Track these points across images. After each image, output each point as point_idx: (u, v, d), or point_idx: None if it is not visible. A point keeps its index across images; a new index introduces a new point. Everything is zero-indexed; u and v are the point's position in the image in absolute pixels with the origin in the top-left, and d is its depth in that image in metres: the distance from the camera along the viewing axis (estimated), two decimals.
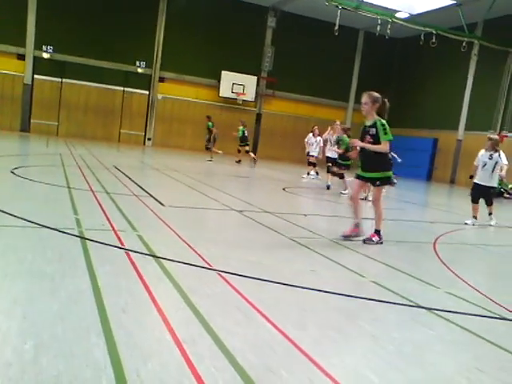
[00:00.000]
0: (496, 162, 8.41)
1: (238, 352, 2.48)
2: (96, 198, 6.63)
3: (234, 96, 24.66)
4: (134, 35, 22.66)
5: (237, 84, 24.70)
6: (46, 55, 21.41)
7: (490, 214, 8.64)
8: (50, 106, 21.95)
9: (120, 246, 4.25)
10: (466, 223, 8.37)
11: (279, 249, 5.07)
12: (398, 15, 20.51)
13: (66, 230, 4.56)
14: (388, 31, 18.80)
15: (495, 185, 8.67)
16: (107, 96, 22.88)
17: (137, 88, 23.42)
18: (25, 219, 4.81)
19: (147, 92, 23.71)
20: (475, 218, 8.45)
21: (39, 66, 21.48)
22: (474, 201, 8.53)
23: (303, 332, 2.86)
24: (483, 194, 8.50)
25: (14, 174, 7.94)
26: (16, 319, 2.61)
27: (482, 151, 8.64)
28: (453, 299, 3.88)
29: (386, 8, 20.46)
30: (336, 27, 17.44)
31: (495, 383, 2.51)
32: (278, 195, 10.37)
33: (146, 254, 4.07)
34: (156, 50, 23.39)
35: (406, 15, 21.46)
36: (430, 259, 5.43)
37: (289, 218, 6.95)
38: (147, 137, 23.86)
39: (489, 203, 8.61)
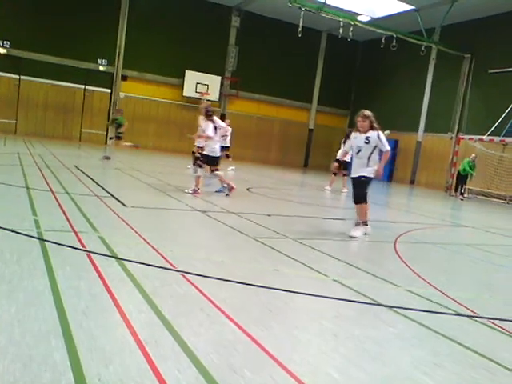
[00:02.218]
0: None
1: (202, 352, 2.48)
2: (56, 198, 6.47)
3: (197, 96, 24.54)
4: (96, 32, 22.24)
5: (201, 84, 24.60)
6: (2, 50, 20.73)
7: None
8: (7, 104, 21.27)
9: (81, 247, 4.17)
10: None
11: (243, 249, 5.09)
12: (359, 18, 20.88)
13: (23, 232, 4.43)
14: (350, 34, 19.12)
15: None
16: (68, 94, 22.36)
17: (98, 86, 22.99)
18: None
19: (109, 90, 23.30)
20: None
21: None
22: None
23: (266, 331, 2.89)
24: None
25: None
26: None
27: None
28: (411, 297, 3.99)
29: (348, 11, 20.80)
30: (299, 29, 17.60)
31: (451, 377, 2.60)
32: (242, 196, 10.39)
33: (108, 256, 4.00)
34: (118, 47, 23.01)
35: (368, 18, 21.89)
36: (390, 258, 5.57)
37: (252, 218, 6.98)
38: (109, 136, 23.46)
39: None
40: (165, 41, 23.54)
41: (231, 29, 25.53)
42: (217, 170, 9.11)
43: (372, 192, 7.73)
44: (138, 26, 22.97)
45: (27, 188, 6.96)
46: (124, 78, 23.42)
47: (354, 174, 6.58)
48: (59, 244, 4.17)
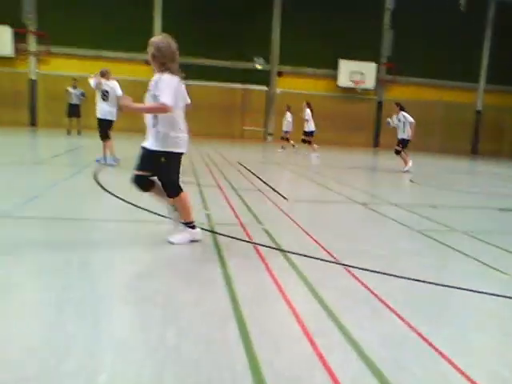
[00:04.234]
0: None
1: (368, 346, 2.47)
2: (223, 193, 6.97)
3: (352, 85, 24.17)
4: (250, 32, 23.20)
5: (355, 72, 24.18)
6: None
7: None
8: None
9: (248, 239, 4.44)
10: None
11: (406, 242, 4.91)
12: None
13: (198, 225, 4.86)
14: None
15: None
16: (228, 94, 23.77)
17: (256, 84, 24.02)
18: (160, 215, 5.21)
19: (266, 88, 24.20)
20: None
21: None
22: None
23: (435, 329, 2.76)
24: None
25: None
26: (157, 308, 2.86)
27: None
28: None
29: None
30: (461, 1, 16.17)
31: None
32: (404, 187, 10.01)
33: (273, 248, 4.20)
34: (273, 44, 23.76)
35: None
36: None
37: (416, 209, 6.68)
38: (268, 132, 24.38)
39: None
40: (318, 32, 23.61)
41: (385, 11, 24.59)
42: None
43: None
44: (292, 20, 23.41)
45: (198, 185, 7.61)
46: (279, 73, 24.12)
47: None
48: (229, 236, 4.49)
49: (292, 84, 24.30)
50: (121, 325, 2.64)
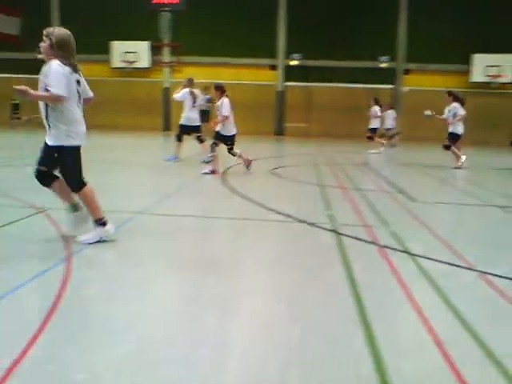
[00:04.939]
0: None
1: (508, 361, 2.26)
2: (347, 194, 6.87)
3: (488, 79, 22.35)
4: (374, 31, 22.60)
5: (492, 66, 22.33)
6: (294, 63, 23.10)
7: None
8: (300, 110, 23.61)
9: (373, 241, 4.32)
10: None
11: None
12: None
13: (321, 225, 4.86)
14: None
15: None
16: (350, 95, 23.38)
17: (380, 83, 23.32)
18: (284, 214, 5.30)
19: (391, 86, 23.39)
20: None
21: (289, 73, 23.32)
22: None
23: None
24: None
25: (274, 174, 8.82)
26: (283, 305, 2.90)
27: None
28: None
29: None
30: None
31: None
32: None
33: (400, 251, 4.04)
34: (399, 42, 22.89)
35: None
36: None
37: None
38: (396, 132, 23.50)
39: None
40: (449, 26, 22.24)
41: None
42: None
43: None
44: (420, 16, 22.34)
45: (321, 185, 7.59)
46: (406, 71, 23.16)
47: None
48: (353, 237, 4.42)
49: (419, 81, 23.17)
50: (249, 319, 2.73)
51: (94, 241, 3.98)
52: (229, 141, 8.43)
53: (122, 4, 21.78)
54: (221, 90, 8.46)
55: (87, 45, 22.15)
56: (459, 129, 11.06)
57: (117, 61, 22.22)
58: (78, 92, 3.96)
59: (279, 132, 23.60)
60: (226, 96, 8.38)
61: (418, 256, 3.88)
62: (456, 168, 10.61)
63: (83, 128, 4.01)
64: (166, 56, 23.01)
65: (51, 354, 2.22)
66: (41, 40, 3.84)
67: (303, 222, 5.01)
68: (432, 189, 8.22)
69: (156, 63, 22.76)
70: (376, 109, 16.08)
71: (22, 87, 3.63)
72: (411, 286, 3.22)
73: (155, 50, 22.67)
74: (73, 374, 2.08)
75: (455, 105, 11.08)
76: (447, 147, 11.13)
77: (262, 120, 23.36)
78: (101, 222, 4.02)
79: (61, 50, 3.79)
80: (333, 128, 23.56)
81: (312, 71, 23.17)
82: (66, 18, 22.32)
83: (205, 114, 18.90)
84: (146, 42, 22.26)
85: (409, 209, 5.93)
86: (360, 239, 4.37)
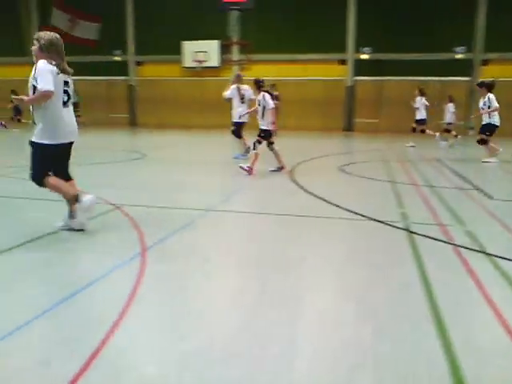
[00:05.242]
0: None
1: None
2: (419, 191, 6.65)
3: None
4: (449, 20, 21.61)
5: None
6: (365, 57, 22.61)
7: None
8: (370, 105, 23.09)
9: (448, 240, 4.15)
10: None
11: None
12: None
13: (392, 223, 4.74)
14: None
15: None
16: (425, 88, 22.53)
17: (455, 75, 22.30)
18: (353, 211, 5.22)
19: (468, 78, 22.30)
20: None
21: (359, 67, 22.85)
22: None
23: None
24: None
25: (343, 170, 8.70)
26: (352, 303, 2.87)
27: None
28: None
29: None
30: None
31: None
32: None
33: (476, 251, 3.86)
34: (477, 30, 21.75)
35: None
36: None
37: None
38: (470, 126, 22.45)
39: None
40: None
41: None
42: None
43: None
44: (501, 3, 21.10)
45: (391, 182, 7.39)
46: (484, 62, 21.98)
47: None
48: (425, 236, 4.27)
49: (499, 72, 21.92)
50: (318, 317, 2.72)
51: (83, 217, 4.26)
52: (267, 134, 8.24)
53: (192, 5, 22.32)
54: (257, 85, 8.39)
55: (161, 46, 23.04)
56: (493, 120, 10.47)
57: (188, 60, 22.80)
58: (67, 93, 4.21)
59: (348, 128, 23.21)
60: (265, 91, 8.29)
61: (496, 256, 3.69)
62: (488, 162, 10.27)
63: (69, 128, 4.24)
64: (235, 54, 23.30)
65: (124, 347, 2.33)
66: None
67: (373, 219, 4.91)
68: (511, 185, 7.75)
69: (225, 62, 23.12)
70: (419, 99, 15.49)
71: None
72: (490, 287, 3.07)
73: (224, 49, 23.02)
74: (142, 366, 2.17)
75: (490, 96, 10.50)
76: (483, 142, 10.64)
77: (331, 116, 23.07)
78: (76, 199, 4.26)
79: (49, 52, 4.08)
80: (404, 123, 22.82)
81: (383, 65, 22.56)
82: (140, 22, 23.26)
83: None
84: (216, 41, 22.65)
85: (485, 206, 5.64)
86: (433, 238, 4.21)
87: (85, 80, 24.45)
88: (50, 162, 4.25)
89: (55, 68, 4.05)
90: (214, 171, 8.63)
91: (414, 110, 15.99)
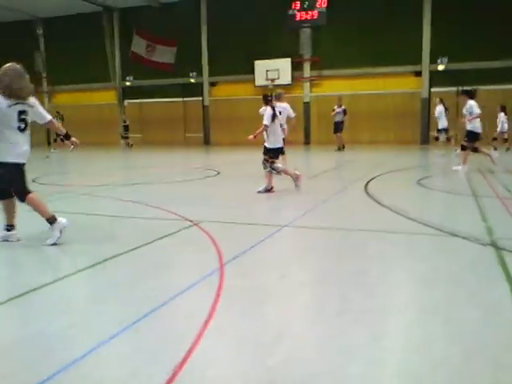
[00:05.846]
0: None
1: None
2: (504, 204, 6.28)
3: None
4: None
5: None
6: (441, 67, 21.85)
7: None
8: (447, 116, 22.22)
9: None
10: None
11: None
12: None
13: (476, 238, 4.50)
14: None
15: None
16: (503, 96, 21.29)
17: None
18: (434, 227, 5.02)
19: None
20: None
21: (435, 79, 22.09)
22: None
23: None
24: None
25: (420, 184, 8.40)
26: (439, 323, 2.74)
27: None
28: None
29: None
30: None
31: None
32: None
33: None
34: None
35: None
36: None
37: None
38: None
39: None
40: None
41: None
42: None
43: None
44: None
45: (474, 195, 7.04)
46: None
47: None
48: None
49: None
50: (402, 336, 2.63)
51: (58, 236, 4.51)
52: (271, 153, 7.84)
53: (264, 24, 22.71)
54: (264, 99, 8.09)
55: (233, 66, 23.64)
56: (471, 126, 10.38)
57: (261, 79, 23.21)
58: (24, 120, 4.48)
59: (425, 141, 22.45)
60: (271, 106, 7.79)
61: None
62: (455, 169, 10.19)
63: (19, 149, 4.47)
64: (306, 71, 23.41)
65: (207, 362, 2.36)
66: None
67: (456, 235, 4.69)
68: None
69: (297, 79, 23.27)
70: (439, 108, 15.38)
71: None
72: None
73: (295, 66, 23.21)
74: (228, 381, 2.19)
75: (471, 103, 10.31)
76: (469, 149, 10.50)
77: (407, 129, 22.46)
78: (53, 220, 4.53)
79: (2, 84, 4.31)
80: (483, 133, 21.70)
81: (459, 74, 21.64)
82: (213, 44, 24.02)
83: (340, 125, 18.76)
84: (288, 59, 22.89)
85: None
86: None
87: (161, 102, 25.62)
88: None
89: (7, 101, 4.31)
90: (290, 186, 8.65)
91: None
